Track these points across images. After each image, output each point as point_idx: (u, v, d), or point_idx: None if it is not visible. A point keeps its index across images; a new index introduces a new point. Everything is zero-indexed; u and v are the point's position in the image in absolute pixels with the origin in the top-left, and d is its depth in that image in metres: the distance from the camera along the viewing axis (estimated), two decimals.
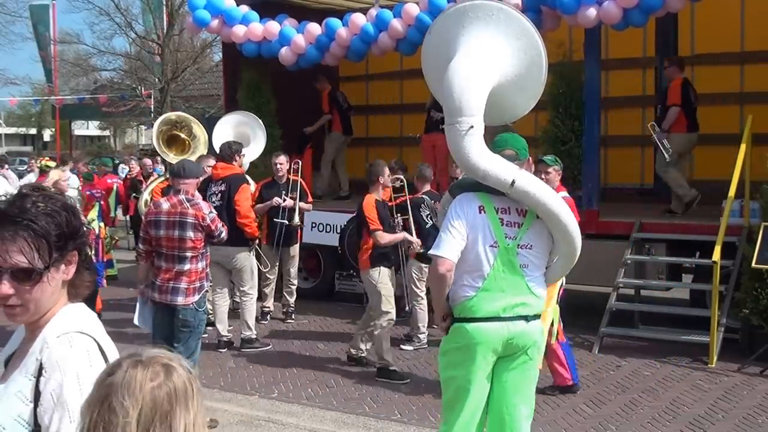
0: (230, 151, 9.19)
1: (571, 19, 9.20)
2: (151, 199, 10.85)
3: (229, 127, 11.08)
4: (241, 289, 9.06)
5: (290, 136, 12.10)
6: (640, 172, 12.15)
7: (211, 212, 6.72)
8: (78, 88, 35.60)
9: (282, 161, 9.94)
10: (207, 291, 6.87)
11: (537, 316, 4.55)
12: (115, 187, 13.90)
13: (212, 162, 10.00)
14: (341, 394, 7.54)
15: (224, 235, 6.84)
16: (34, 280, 2.04)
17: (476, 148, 4.45)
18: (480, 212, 4.48)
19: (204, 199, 8.86)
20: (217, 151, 9.69)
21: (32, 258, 2.03)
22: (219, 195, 9.02)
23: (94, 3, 29.57)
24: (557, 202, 4.49)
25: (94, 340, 2.08)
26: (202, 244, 6.65)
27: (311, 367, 8.38)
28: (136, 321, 6.99)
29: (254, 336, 9.07)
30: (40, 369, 2.01)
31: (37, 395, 1.99)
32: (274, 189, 9.97)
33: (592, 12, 8.92)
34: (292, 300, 10.37)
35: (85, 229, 2.18)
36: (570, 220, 4.52)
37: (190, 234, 6.54)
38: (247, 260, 8.98)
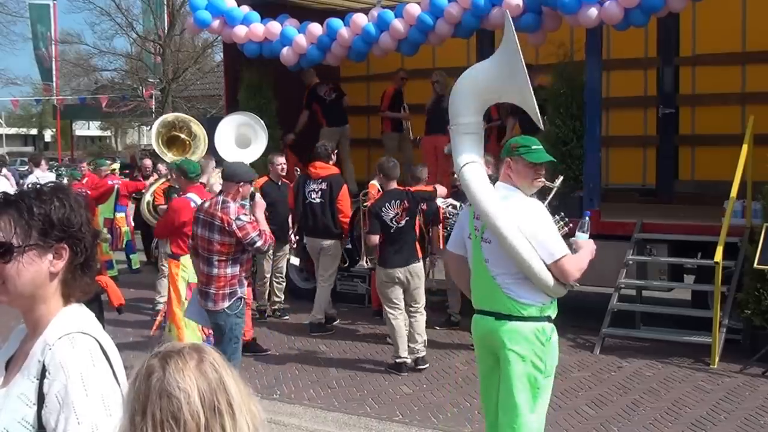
0: (327, 151, 9.76)
1: (572, 19, 9.18)
2: (153, 200, 10.87)
3: (230, 128, 11.05)
4: (322, 274, 9.65)
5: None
6: (641, 172, 12.14)
7: (239, 218, 6.39)
8: (79, 89, 35.62)
9: (282, 162, 10.01)
10: (242, 298, 6.61)
11: (511, 317, 4.53)
12: (116, 188, 13.89)
13: (213, 163, 10.00)
14: (343, 395, 7.53)
15: (260, 244, 6.48)
16: (8, 256, 2.06)
17: (460, 147, 4.76)
18: (467, 207, 4.79)
19: (299, 196, 9.57)
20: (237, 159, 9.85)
21: (8, 235, 2.07)
22: (320, 193, 9.58)
23: (94, 3, 29.71)
24: (489, 205, 4.48)
25: (96, 340, 2.09)
26: (232, 249, 6.44)
27: (313, 368, 8.38)
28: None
29: (323, 320, 9.62)
30: (43, 371, 2.01)
31: (41, 397, 1.99)
32: (272, 189, 10.02)
33: (593, 12, 8.90)
34: (281, 297, 10.49)
35: (87, 230, 2.15)
36: (507, 231, 4.41)
37: (217, 237, 6.42)
38: (336, 249, 9.73)
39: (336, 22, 10.75)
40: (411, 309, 8.27)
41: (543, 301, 4.53)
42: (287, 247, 10.32)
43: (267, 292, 10.52)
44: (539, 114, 4.66)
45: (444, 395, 7.49)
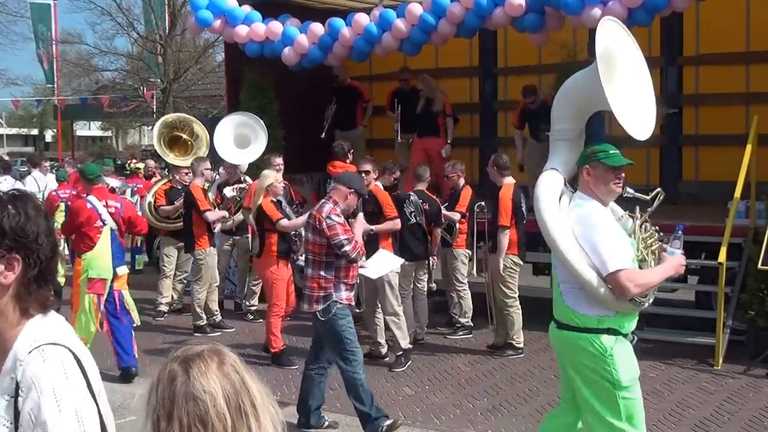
0: (343, 151, 10.02)
1: (576, 20, 9.14)
2: (155, 200, 10.84)
3: (230, 128, 11.05)
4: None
5: (293, 137, 12.05)
6: (645, 173, 12.08)
7: (329, 217, 6.22)
8: (80, 89, 35.58)
9: (279, 162, 10.00)
10: (337, 302, 6.32)
11: (568, 327, 4.45)
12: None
13: (208, 164, 9.98)
14: (344, 396, 7.47)
15: (348, 249, 6.20)
16: None
17: (551, 152, 4.87)
18: None
19: (320, 196, 9.30)
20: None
21: None
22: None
23: (95, 3, 29.61)
24: (545, 211, 4.49)
25: (69, 349, 2.01)
26: (324, 250, 6.26)
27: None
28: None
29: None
30: (17, 388, 1.94)
31: (17, 415, 1.93)
32: None
33: (596, 12, 8.85)
34: None
35: (44, 241, 2.04)
36: (558, 237, 4.40)
37: (310, 236, 6.35)
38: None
39: (338, 21, 10.71)
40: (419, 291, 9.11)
41: (601, 313, 4.35)
42: None
43: (257, 294, 10.52)
44: (630, 125, 4.56)
45: (446, 397, 7.46)
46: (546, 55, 11.23)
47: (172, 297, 10.87)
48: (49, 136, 59.49)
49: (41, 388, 1.91)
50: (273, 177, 8.47)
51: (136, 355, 8.10)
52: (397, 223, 8.45)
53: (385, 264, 7.72)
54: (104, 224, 7.95)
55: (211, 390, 1.68)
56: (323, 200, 6.49)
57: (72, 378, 1.96)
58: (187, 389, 1.68)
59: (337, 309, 6.30)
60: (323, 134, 12.11)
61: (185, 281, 11.00)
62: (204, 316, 9.82)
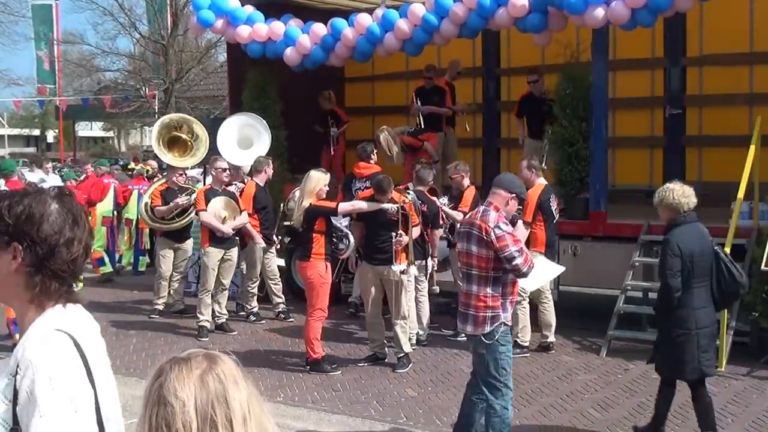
0: (366, 153, 10.11)
1: (579, 20, 9.12)
2: (151, 201, 10.80)
3: (234, 129, 11.05)
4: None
5: (295, 138, 12.04)
6: (648, 173, 12.06)
7: (498, 227, 5.56)
8: (82, 89, 35.60)
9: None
10: (507, 325, 5.72)
11: None
12: (112, 188, 13.89)
13: (225, 164, 9.94)
14: (347, 398, 7.48)
15: (519, 262, 5.53)
16: None
17: None
18: None
19: (347, 196, 9.39)
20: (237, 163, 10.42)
21: None
22: (365, 191, 9.69)
23: (97, 3, 29.62)
24: None
25: (71, 337, 2.07)
26: (491, 264, 5.59)
27: (317, 370, 8.32)
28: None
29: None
30: (17, 367, 2.02)
31: (15, 393, 2.00)
32: (261, 194, 10.10)
33: (600, 12, 8.84)
34: (282, 297, 10.45)
35: (50, 235, 2.10)
36: None
37: (474, 248, 5.63)
38: None
39: (340, 22, 10.70)
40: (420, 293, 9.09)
41: None
42: (274, 248, 10.35)
43: (256, 295, 10.50)
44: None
45: (449, 398, 7.43)
46: (549, 56, 11.20)
47: (172, 297, 10.87)
48: (50, 136, 59.55)
49: (36, 368, 1.99)
50: (323, 181, 8.11)
51: None
52: (418, 230, 8.51)
53: (545, 274, 7.29)
54: None
55: (183, 396, 1.65)
56: (483, 207, 5.80)
57: (68, 362, 2.02)
58: (160, 392, 1.67)
59: (501, 332, 5.67)
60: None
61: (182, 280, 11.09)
62: (202, 316, 9.72)
